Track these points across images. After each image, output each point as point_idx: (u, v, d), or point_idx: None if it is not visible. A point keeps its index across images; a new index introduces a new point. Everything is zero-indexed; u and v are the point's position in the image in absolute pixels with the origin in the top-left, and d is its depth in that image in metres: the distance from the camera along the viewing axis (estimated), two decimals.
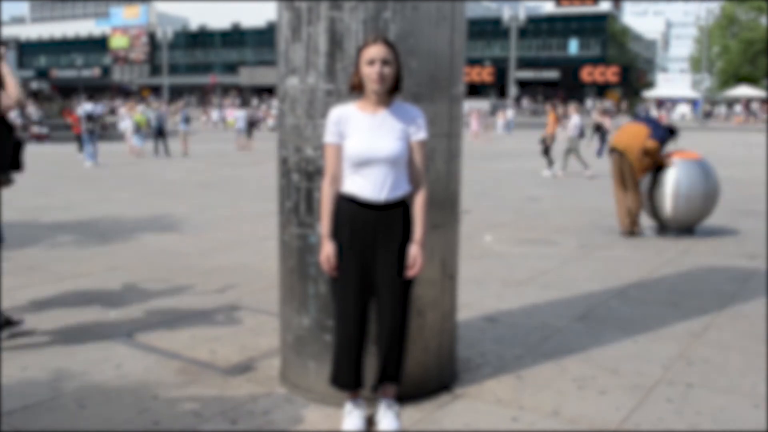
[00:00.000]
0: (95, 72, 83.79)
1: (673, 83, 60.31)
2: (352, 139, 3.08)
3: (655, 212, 8.25)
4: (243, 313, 5.11)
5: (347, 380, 3.22)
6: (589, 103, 54.72)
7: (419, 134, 3.13)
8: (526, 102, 59.78)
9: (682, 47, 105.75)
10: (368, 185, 3.07)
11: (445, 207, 3.65)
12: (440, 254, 3.64)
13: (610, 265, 6.68)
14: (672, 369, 4.08)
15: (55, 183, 13.20)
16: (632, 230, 8.13)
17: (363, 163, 3.06)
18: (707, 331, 4.78)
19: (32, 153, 21.64)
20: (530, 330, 4.75)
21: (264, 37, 72.31)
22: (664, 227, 8.22)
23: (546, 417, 3.44)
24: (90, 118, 18.21)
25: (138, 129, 21.26)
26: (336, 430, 3.27)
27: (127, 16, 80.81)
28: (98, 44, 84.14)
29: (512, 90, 49.83)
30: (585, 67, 62.55)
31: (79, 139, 19.47)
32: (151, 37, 77.21)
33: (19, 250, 7.17)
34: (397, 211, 3.13)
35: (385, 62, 3.00)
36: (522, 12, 49.19)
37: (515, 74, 51.46)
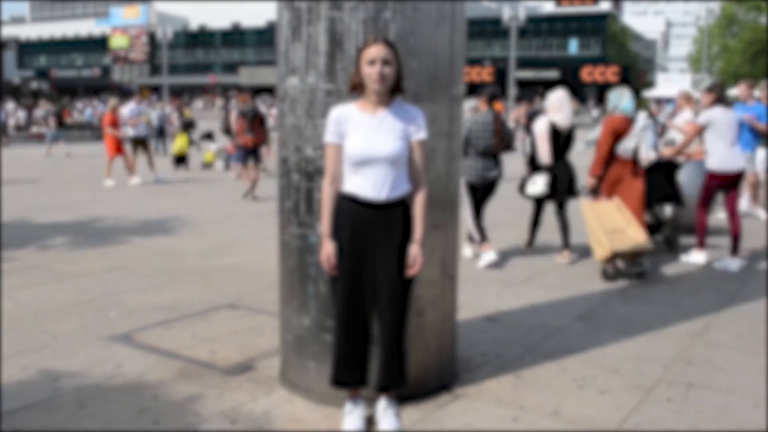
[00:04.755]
0: (95, 72, 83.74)
1: (673, 83, 60.29)
2: (352, 138, 3.08)
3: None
4: (243, 313, 5.11)
5: (348, 380, 3.22)
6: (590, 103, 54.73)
7: (419, 134, 3.13)
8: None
9: (682, 47, 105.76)
10: (368, 185, 3.08)
11: (445, 207, 3.65)
12: (440, 254, 3.64)
13: None
14: (672, 369, 4.08)
15: (55, 182, 13.20)
16: None
17: (363, 163, 3.06)
18: (707, 331, 4.78)
19: (33, 153, 21.65)
20: (530, 330, 4.75)
21: (264, 37, 72.28)
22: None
23: (546, 417, 3.44)
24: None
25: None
26: (336, 430, 3.28)
27: (127, 16, 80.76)
28: (98, 44, 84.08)
29: (512, 90, 49.85)
30: (585, 66, 62.51)
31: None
32: (151, 37, 77.16)
33: (19, 249, 7.17)
34: (397, 210, 3.13)
35: (385, 62, 3.01)
36: (522, 12, 49.13)
37: (515, 74, 51.46)
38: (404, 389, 3.36)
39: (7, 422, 3.33)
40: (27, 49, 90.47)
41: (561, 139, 6.81)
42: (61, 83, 77.13)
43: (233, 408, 3.50)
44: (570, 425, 3.37)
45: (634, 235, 5.96)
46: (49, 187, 12.52)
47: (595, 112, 46.09)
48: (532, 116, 8.44)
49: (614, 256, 5.92)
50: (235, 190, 12.07)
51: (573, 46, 64.25)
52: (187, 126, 19.79)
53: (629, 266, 6.07)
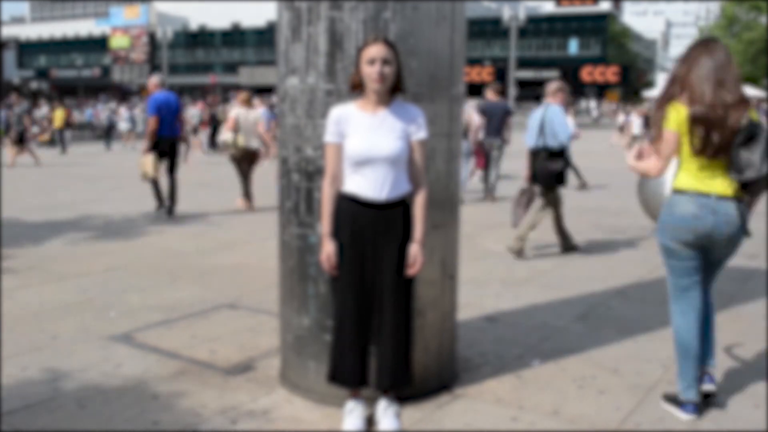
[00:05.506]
0: (95, 72, 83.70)
1: None
2: (352, 138, 3.08)
3: (654, 212, 8.24)
4: (243, 313, 5.11)
5: (346, 378, 3.22)
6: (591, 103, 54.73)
7: (419, 134, 3.14)
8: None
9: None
10: (368, 185, 3.08)
11: (445, 207, 3.65)
12: (440, 254, 3.64)
13: (610, 265, 6.68)
14: (672, 369, 4.07)
15: (55, 182, 13.20)
16: None
17: (363, 163, 3.07)
18: None
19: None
20: (530, 330, 4.75)
21: (264, 37, 72.25)
22: None
23: (546, 417, 3.44)
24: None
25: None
26: (336, 430, 3.27)
27: (127, 16, 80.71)
28: (98, 44, 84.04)
29: (512, 90, 49.89)
30: (585, 67, 62.51)
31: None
32: (151, 37, 77.15)
33: (19, 249, 7.17)
34: (398, 210, 3.13)
35: (385, 62, 3.01)
36: (522, 12, 49.14)
37: (515, 74, 51.44)
38: (407, 389, 3.36)
39: (7, 422, 3.33)
40: (27, 49, 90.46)
41: None
42: (61, 83, 77.11)
43: (233, 408, 3.50)
44: (570, 425, 3.37)
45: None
46: (50, 187, 12.53)
47: (595, 113, 46.11)
48: None
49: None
50: (236, 190, 12.07)
51: (573, 46, 64.24)
52: None
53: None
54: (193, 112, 23.08)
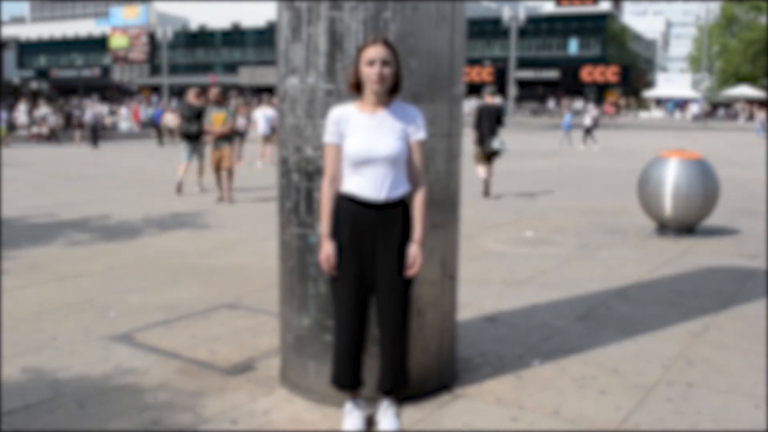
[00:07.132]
0: (95, 72, 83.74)
1: (673, 83, 60.35)
2: (351, 138, 3.08)
3: (655, 212, 8.25)
4: (243, 313, 5.11)
5: (347, 380, 3.22)
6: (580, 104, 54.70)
7: (418, 134, 3.14)
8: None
9: (682, 47, 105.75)
10: (368, 185, 3.08)
11: (445, 207, 3.66)
12: (440, 254, 3.64)
13: (610, 265, 6.68)
14: (672, 369, 4.08)
15: (55, 182, 13.20)
16: None
17: (362, 163, 3.07)
18: (707, 331, 4.78)
19: (34, 153, 21.65)
20: (530, 330, 4.75)
21: (264, 37, 72.29)
22: (664, 227, 8.23)
23: (546, 417, 3.44)
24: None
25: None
26: (336, 430, 3.28)
27: (127, 16, 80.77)
28: (98, 44, 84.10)
29: (512, 90, 49.88)
30: (585, 66, 62.54)
31: None
32: (151, 37, 77.18)
33: (19, 249, 7.17)
34: (397, 210, 3.13)
35: (384, 63, 3.01)
36: (522, 12, 49.19)
37: (515, 74, 51.42)
38: (406, 390, 3.36)
39: (7, 422, 3.33)
40: (27, 49, 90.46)
41: None
42: (61, 83, 77.06)
43: (233, 408, 3.50)
44: (570, 425, 3.37)
45: None
46: (50, 187, 12.53)
47: (595, 112, 46.02)
48: None
49: None
50: (236, 190, 12.07)
51: (573, 46, 64.26)
52: None
53: None
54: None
